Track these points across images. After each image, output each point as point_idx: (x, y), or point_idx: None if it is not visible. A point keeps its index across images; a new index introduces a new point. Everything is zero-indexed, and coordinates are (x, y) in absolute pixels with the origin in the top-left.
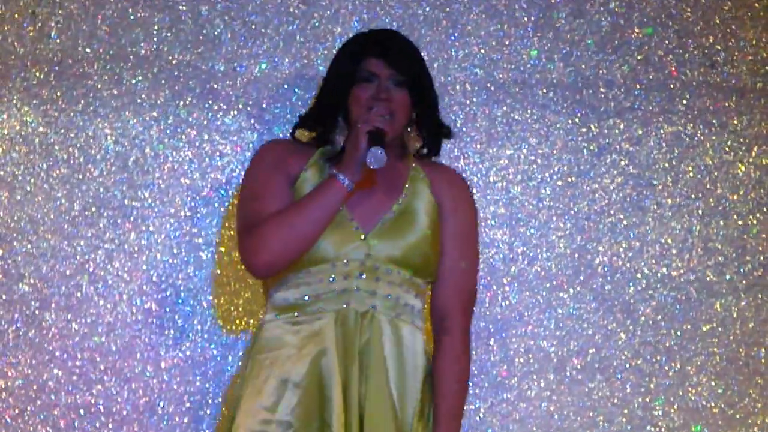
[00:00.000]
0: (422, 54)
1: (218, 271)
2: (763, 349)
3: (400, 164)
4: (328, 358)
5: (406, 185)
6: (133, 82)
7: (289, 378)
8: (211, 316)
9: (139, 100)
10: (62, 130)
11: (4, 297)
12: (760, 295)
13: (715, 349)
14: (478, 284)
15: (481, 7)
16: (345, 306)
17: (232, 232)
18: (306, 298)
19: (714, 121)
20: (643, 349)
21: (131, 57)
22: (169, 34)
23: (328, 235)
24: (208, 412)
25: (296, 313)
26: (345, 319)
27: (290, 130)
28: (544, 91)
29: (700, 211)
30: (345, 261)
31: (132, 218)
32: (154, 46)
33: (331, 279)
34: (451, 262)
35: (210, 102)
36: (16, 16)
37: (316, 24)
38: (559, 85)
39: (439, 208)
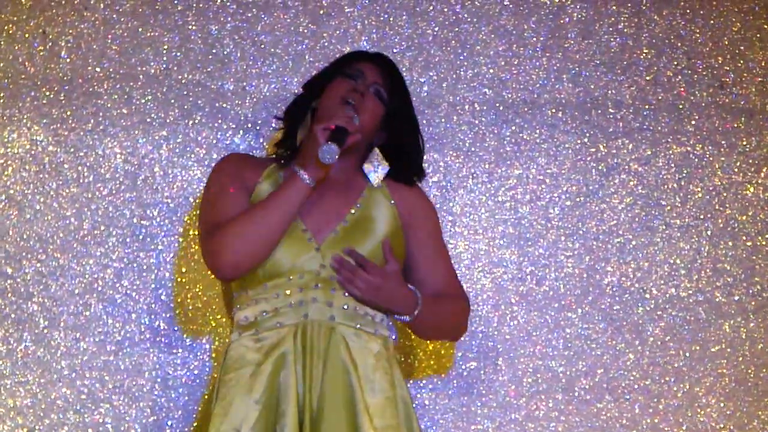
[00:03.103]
0: (431, 73)
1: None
2: None
3: (358, 176)
4: (286, 371)
5: (363, 194)
6: (143, 101)
7: (250, 396)
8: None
9: (148, 120)
10: (72, 149)
11: (13, 316)
12: None
13: (724, 371)
14: (486, 304)
15: (490, 27)
16: (303, 318)
17: None
18: (265, 313)
19: (723, 142)
20: (651, 370)
21: (141, 76)
22: (178, 54)
23: (283, 248)
24: None
25: (256, 330)
26: (304, 330)
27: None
28: (553, 111)
29: (708, 232)
30: (300, 273)
31: (141, 237)
32: (164, 66)
33: (287, 292)
34: (427, 267)
35: (219, 121)
36: (27, 35)
37: (326, 44)
38: (567, 105)
39: (401, 217)
